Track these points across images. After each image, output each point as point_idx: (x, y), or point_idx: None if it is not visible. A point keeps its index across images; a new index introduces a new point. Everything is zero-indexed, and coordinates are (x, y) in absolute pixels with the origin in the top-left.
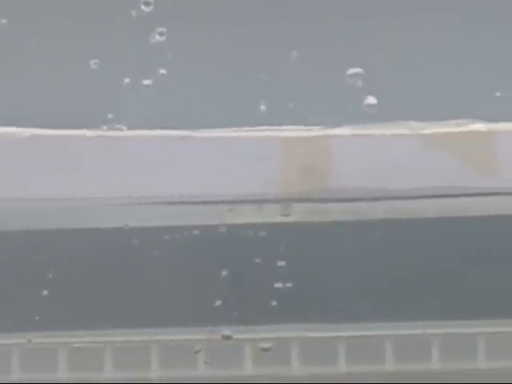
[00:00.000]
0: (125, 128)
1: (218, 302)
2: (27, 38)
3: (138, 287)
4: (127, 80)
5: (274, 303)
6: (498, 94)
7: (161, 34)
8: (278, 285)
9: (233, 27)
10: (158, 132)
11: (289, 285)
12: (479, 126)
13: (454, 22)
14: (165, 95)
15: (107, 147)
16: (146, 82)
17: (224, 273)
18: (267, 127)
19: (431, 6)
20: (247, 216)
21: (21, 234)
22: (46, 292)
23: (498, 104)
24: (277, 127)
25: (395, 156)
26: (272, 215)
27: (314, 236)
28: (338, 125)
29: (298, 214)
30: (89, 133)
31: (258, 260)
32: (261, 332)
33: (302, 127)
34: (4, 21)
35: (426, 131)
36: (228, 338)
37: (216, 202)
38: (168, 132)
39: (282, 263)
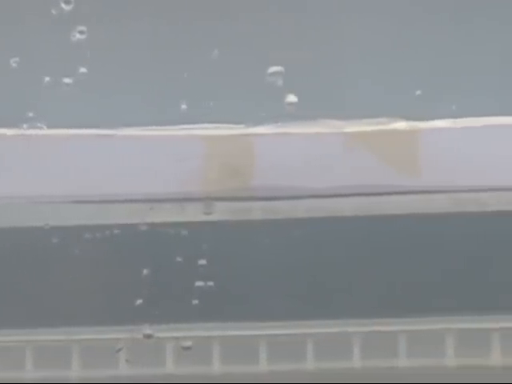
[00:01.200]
0: (45, 127)
1: (140, 301)
2: None
3: (59, 286)
4: (47, 79)
5: (196, 302)
6: (418, 92)
7: (81, 32)
8: (200, 283)
9: (153, 26)
10: (79, 131)
11: (210, 283)
12: (400, 125)
13: (374, 22)
14: (85, 94)
15: (27, 146)
16: (67, 80)
17: (145, 271)
18: (189, 126)
19: (350, 6)
20: (169, 215)
21: None
22: None
23: (419, 103)
24: (198, 126)
25: (316, 155)
26: (194, 214)
27: (236, 235)
28: (259, 123)
29: (220, 212)
30: (9, 132)
31: (179, 259)
32: (182, 331)
33: (223, 126)
34: None
35: (347, 130)
36: (149, 336)
37: (137, 201)
38: (89, 131)
39: (203, 262)
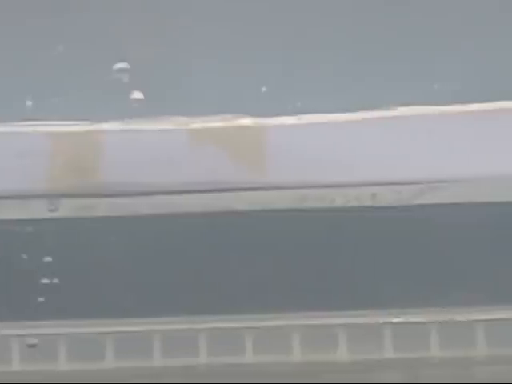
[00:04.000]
0: None
1: None
2: None
3: None
4: None
5: (41, 299)
6: (264, 89)
7: None
8: (45, 281)
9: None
10: None
11: (56, 281)
12: (246, 121)
13: (219, 20)
14: None
15: None
16: None
17: None
18: (34, 123)
19: (194, 4)
20: (13, 211)
21: None
22: None
23: (265, 99)
24: (43, 123)
25: (162, 151)
26: (38, 211)
27: (82, 232)
28: (104, 120)
29: (65, 209)
30: None
31: (24, 256)
32: (28, 328)
33: (68, 122)
34: None
35: (193, 126)
36: None
37: None
38: None
39: (48, 259)
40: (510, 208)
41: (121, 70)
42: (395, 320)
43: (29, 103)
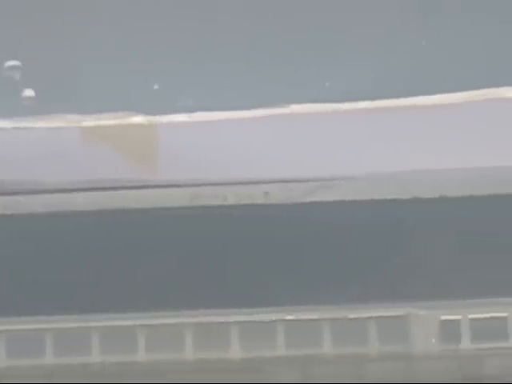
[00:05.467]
0: None
1: None
2: None
3: None
4: None
5: None
6: (156, 87)
7: None
8: None
9: None
10: None
11: None
12: (138, 119)
13: (117, 19)
14: None
15: None
16: None
17: None
18: None
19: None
20: None
21: None
22: None
23: (157, 97)
24: None
25: (54, 149)
26: None
27: None
28: None
29: None
30: None
31: None
32: None
33: None
34: None
35: (85, 124)
36: None
37: None
38: None
39: None
40: (399, 206)
41: (12, 68)
42: (288, 317)
43: None
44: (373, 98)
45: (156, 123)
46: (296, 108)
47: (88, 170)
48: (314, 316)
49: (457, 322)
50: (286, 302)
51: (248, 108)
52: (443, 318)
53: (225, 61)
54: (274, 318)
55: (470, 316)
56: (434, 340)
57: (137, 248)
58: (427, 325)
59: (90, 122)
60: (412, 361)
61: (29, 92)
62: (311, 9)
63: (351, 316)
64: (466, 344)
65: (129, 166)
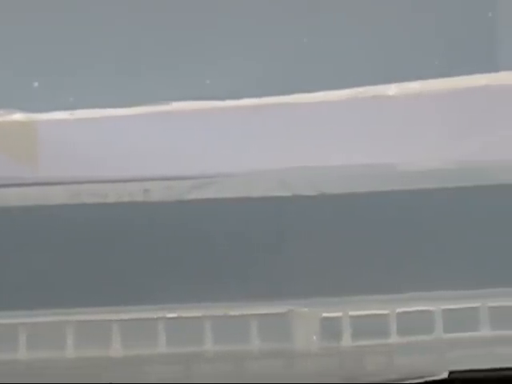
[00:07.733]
0: None
1: None
2: None
3: None
4: None
5: None
6: (36, 84)
7: None
8: None
9: None
10: None
11: None
12: (17, 116)
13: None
14: None
15: None
16: None
17: None
18: None
19: None
20: None
21: None
22: None
23: (37, 94)
24: None
25: None
26: None
27: None
28: None
29: None
30: None
31: None
32: None
33: None
34: None
35: None
36: None
37: None
38: None
39: None
40: (279, 203)
41: None
42: (169, 315)
43: None
44: (254, 96)
45: (36, 120)
46: (177, 105)
47: None
48: (197, 314)
49: (337, 319)
50: (167, 300)
51: (129, 105)
52: (324, 315)
53: (106, 58)
54: (155, 316)
55: (351, 313)
56: (315, 337)
57: (20, 246)
58: (308, 322)
59: None
60: (293, 358)
61: None
62: (193, 5)
63: (232, 313)
64: (347, 341)
65: (8, 163)
